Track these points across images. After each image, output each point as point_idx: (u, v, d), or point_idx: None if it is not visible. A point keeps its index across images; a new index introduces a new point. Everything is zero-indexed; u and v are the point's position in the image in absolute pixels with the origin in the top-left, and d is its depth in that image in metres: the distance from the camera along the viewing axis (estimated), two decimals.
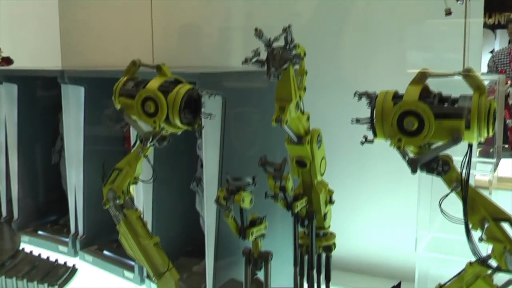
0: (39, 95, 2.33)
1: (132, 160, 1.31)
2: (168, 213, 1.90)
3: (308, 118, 1.21)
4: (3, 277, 1.85)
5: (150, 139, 1.23)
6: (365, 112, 1.07)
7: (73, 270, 1.98)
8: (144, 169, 1.34)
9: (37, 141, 2.39)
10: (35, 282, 1.85)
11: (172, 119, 1.20)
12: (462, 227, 1.61)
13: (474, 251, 1.02)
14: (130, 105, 1.25)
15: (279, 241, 1.44)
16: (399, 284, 1.39)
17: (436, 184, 1.60)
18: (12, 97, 2.27)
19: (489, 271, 1.05)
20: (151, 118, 1.21)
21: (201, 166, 1.76)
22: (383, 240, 1.91)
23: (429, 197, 1.67)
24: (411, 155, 1.04)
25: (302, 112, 1.18)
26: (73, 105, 2.09)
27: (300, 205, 1.22)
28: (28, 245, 2.14)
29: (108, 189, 1.30)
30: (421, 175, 1.60)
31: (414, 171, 1.01)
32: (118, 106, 1.27)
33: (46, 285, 1.85)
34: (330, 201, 1.32)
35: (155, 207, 1.83)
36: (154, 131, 1.22)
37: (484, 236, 1.02)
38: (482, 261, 1.02)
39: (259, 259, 1.08)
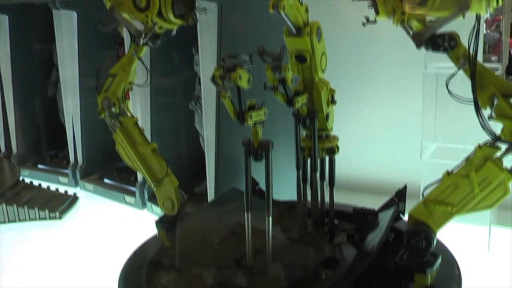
0: (31, 25, 2.26)
1: (125, 64, 1.26)
2: (167, 135, 1.87)
3: (306, 10, 1.15)
4: (3, 205, 1.83)
5: (143, 36, 1.17)
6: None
7: (74, 198, 1.96)
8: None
9: (32, 74, 2.34)
10: (36, 209, 1.84)
11: (164, 12, 1.14)
12: (468, 135, 1.58)
13: (485, 127, 0.98)
14: (120, 1, 1.19)
15: (282, 155, 1.40)
16: (405, 187, 1.36)
17: (440, 92, 1.57)
18: (4, 29, 2.21)
19: (499, 153, 1.01)
20: (143, 12, 1.16)
21: (199, 83, 1.72)
22: (387, 154, 1.87)
23: (434, 107, 1.62)
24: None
25: (301, 3, 1.13)
26: (66, 32, 2.03)
27: (301, 101, 1.18)
28: (28, 179, 2.11)
29: (103, 97, 1.26)
30: (425, 82, 1.57)
31: (418, 45, 0.96)
32: (108, 4, 1.21)
33: (47, 211, 1.84)
34: (332, 101, 1.27)
35: (153, 131, 1.80)
36: (147, 26, 1.17)
37: (493, 114, 0.98)
38: (494, 139, 0.98)
39: (259, 149, 1.04)
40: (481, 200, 1.03)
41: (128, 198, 1.90)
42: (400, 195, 1.37)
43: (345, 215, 1.40)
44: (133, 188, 1.90)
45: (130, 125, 1.29)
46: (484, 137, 1.01)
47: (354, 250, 1.26)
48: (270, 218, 1.11)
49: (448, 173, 1.05)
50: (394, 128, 1.86)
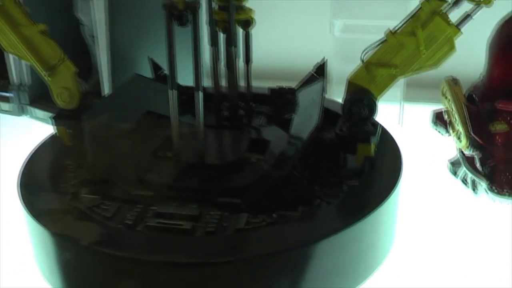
0: None
1: None
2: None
3: None
4: None
5: None
6: None
7: None
8: None
9: None
10: None
11: None
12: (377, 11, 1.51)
13: None
14: None
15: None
16: (325, 62, 1.27)
17: None
18: None
19: (445, 6, 0.94)
20: None
21: None
22: (297, 34, 1.78)
23: None
24: None
25: None
26: None
27: None
28: None
29: None
30: None
31: None
32: None
33: None
34: None
35: None
36: None
37: None
38: None
39: (184, 11, 0.88)
40: (426, 59, 0.97)
41: (3, 105, 1.63)
42: (321, 70, 1.29)
43: (261, 97, 1.30)
44: (6, 94, 1.63)
45: (9, 3, 1.05)
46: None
47: (279, 130, 1.17)
48: (201, 95, 0.96)
49: (392, 33, 0.97)
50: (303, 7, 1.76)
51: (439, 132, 1.24)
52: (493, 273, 1.01)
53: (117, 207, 0.95)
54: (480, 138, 1.23)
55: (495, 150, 1.22)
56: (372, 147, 1.01)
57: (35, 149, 1.15)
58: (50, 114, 1.55)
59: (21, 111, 1.65)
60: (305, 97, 1.23)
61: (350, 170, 1.04)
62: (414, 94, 1.57)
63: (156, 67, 1.32)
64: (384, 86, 1.00)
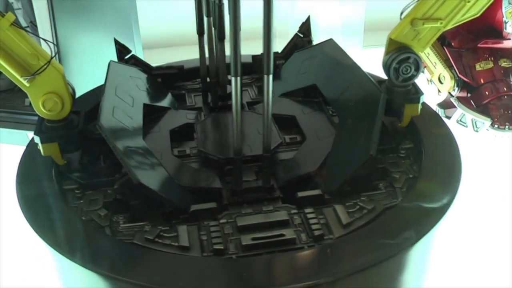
0: None
1: None
2: None
3: None
4: None
5: None
6: None
7: None
8: None
9: None
10: None
11: None
12: None
13: None
14: None
15: None
16: (308, 18, 1.18)
17: None
18: None
19: None
20: None
21: None
22: None
23: None
24: None
25: None
26: None
27: None
28: None
29: None
30: None
31: None
32: None
33: None
34: None
35: None
36: None
37: None
38: None
39: None
40: (469, 8, 0.93)
41: None
42: (306, 28, 1.19)
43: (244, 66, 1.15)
44: None
45: None
46: None
47: (288, 101, 1.07)
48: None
49: None
50: None
51: None
52: None
53: (185, 230, 0.78)
54: (466, 77, 1.26)
55: (484, 87, 1.25)
56: (420, 106, 0.96)
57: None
58: None
59: None
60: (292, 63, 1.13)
61: (398, 133, 0.97)
62: (373, 39, 1.52)
63: (123, 50, 1.11)
64: (428, 41, 0.94)
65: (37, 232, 0.78)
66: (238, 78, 0.78)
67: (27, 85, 0.84)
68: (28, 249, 0.96)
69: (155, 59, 1.40)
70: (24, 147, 0.97)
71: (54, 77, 0.85)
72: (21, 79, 0.83)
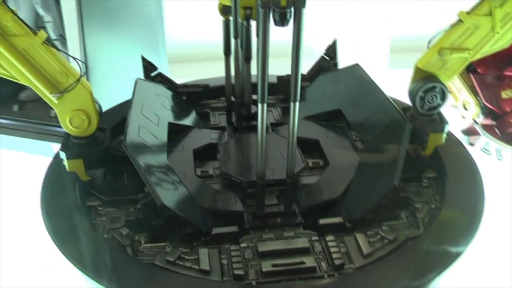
0: None
1: None
2: None
3: None
4: None
5: None
6: None
7: None
8: None
9: None
10: None
11: None
12: None
13: None
14: None
15: None
16: (335, 42, 1.18)
17: None
18: None
19: None
20: None
21: None
22: None
23: None
24: None
25: None
26: None
27: None
28: None
29: None
30: None
31: None
32: None
33: None
34: None
35: None
36: None
37: None
38: None
39: (286, 8, 0.71)
40: (497, 39, 0.92)
41: None
42: (332, 51, 1.19)
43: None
44: None
45: None
46: None
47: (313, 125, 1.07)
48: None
49: (467, 13, 0.90)
50: None
51: None
52: None
53: (206, 253, 0.78)
54: (491, 105, 1.25)
55: (509, 116, 1.24)
56: (444, 136, 0.95)
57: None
58: None
59: None
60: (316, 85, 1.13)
61: (421, 161, 0.97)
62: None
63: (149, 67, 1.12)
64: (455, 71, 0.94)
65: (59, 248, 0.79)
66: (265, 105, 0.78)
67: (56, 102, 0.86)
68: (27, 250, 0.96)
69: (182, 74, 1.42)
70: (48, 158, 0.99)
71: (83, 95, 0.86)
72: (50, 96, 0.85)
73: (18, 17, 0.81)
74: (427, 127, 0.95)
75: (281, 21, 0.74)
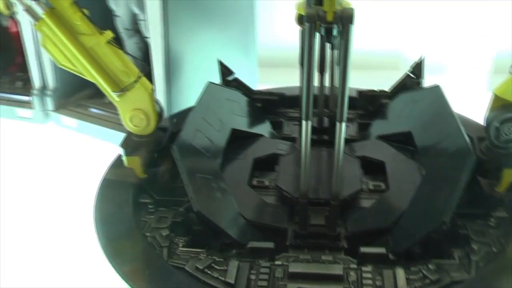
0: None
1: None
2: None
3: None
4: None
5: None
6: None
7: None
8: None
9: None
10: None
11: None
12: None
13: None
14: None
15: None
16: (422, 60, 1.11)
17: None
18: None
19: None
20: None
21: None
22: None
23: None
24: None
25: None
26: None
27: None
28: None
29: None
30: None
31: None
32: None
33: None
34: None
35: None
36: None
37: None
38: None
39: (335, 23, 0.69)
40: None
41: (23, 112, 1.40)
42: (418, 69, 1.12)
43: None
44: (26, 98, 1.40)
45: (66, 6, 0.83)
46: None
47: (386, 146, 1.00)
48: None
49: None
50: None
51: None
52: None
53: (236, 265, 0.77)
54: None
55: None
56: None
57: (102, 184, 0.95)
58: (78, 121, 1.35)
59: (44, 118, 1.42)
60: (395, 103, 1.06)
61: (493, 198, 0.88)
62: None
63: (226, 71, 1.13)
64: None
65: (99, 236, 0.82)
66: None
67: (117, 99, 0.89)
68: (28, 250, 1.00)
69: (272, 79, 1.40)
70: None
71: (142, 94, 0.89)
72: (112, 93, 0.88)
73: (87, 16, 0.85)
74: (502, 161, 0.86)
75: (327, 37, 0.70)
